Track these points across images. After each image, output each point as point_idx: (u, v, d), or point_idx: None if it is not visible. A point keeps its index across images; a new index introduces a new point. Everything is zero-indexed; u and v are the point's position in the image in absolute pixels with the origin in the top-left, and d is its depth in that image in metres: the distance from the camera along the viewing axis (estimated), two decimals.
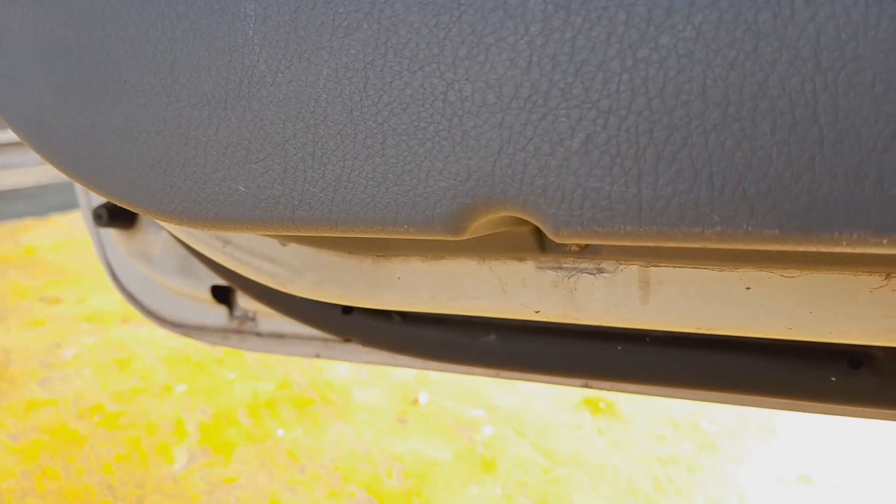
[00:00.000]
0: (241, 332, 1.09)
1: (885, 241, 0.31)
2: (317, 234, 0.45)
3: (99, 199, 1.04)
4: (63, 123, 0.49)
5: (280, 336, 1.07)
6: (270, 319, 1.07)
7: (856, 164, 0.31)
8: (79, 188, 1.06)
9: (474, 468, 2.19)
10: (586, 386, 0.86)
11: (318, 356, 1.05)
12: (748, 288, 0.56)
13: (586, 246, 0.61)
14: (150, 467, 2.17)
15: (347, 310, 0.86)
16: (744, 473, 2.17)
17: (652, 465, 2.20)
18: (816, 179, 0.32)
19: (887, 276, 0.52)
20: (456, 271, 0.67)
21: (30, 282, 3.62)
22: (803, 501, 2.04)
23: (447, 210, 0.40)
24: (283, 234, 0.46)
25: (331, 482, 2.11)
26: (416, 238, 0.43)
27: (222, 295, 1.07)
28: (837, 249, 0.33)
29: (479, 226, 0.41)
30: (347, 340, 1.00)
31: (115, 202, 0.50)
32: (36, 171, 5.22)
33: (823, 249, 0.33)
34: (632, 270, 0.60)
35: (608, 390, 0.88)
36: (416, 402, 2.55)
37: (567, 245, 0.61)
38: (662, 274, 0.59)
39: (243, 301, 1.07)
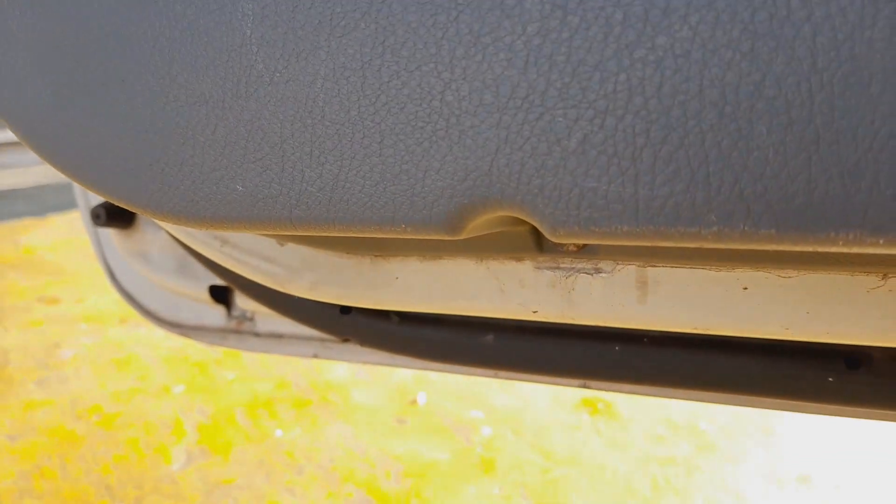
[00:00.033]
0: (240, 332, 1.09)
1: (881, 241, 0.31)
2: (314, 234, 0.45)
3: (97, 199, 1.04)
4: (61, 123, 0.49)
5: (278, 336, 1.07)
6: (268, 319, 1.07)
7: (852, 165, 0.31)
8: (77, 188, 1.05)
9: (473, 468, 2.19)
10: (584, 386, 0.86)
11: (316, 356, 1.05)
12: (745, 288, 0.57)
13: (584, 246, 0.61)
14: (148, 468, 2.17)
15: (346, 310, 0.86)
16: (742, 474, 2.17)
17: (650, 466, 2.20)
18: (813, 179, 0.32)
19: (884, 276, 0.52)
20: (454, 271, 0.67)
21: (28, 282, 3.61)
22: (802, 502, 2.04)
23: (445, 209, 0.40)
24: (281, 233, 0.46)
25: (329, 482, 2.11)
26: (414, 238, 0.43)
27: (220, 295, 1.07)
28: (834, 249, 0.33)
29: (477, 225, 0.41)
30: (346, 340, 1.00)
31: (113, 202, 0.50)
32: (34, 171, 5.22)
33: (820, 249, 0.33)
34: (629, 270, 0.60)
35: (606, 391, 0.88)
36: (414, 402, 2.55)
37: (564, 245, 0.61)
38: (660, 274, 0.59)
39: (241, 301, 1.07)
